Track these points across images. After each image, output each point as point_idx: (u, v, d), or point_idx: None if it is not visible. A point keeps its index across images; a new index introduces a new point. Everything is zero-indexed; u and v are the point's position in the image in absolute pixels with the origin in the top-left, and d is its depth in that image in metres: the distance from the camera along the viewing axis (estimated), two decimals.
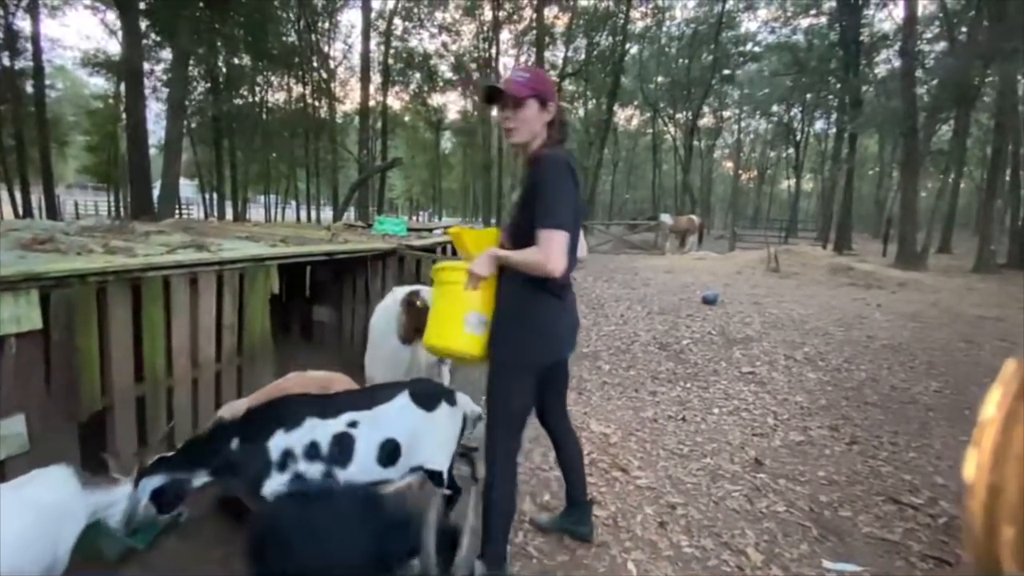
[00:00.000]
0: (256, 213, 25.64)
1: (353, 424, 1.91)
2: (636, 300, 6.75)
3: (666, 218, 15.31)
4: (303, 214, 26.57)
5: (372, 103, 20.33)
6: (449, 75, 24.16)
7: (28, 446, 1.92)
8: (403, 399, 2.00)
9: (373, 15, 18.98)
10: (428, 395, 2.06)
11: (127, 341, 2.27)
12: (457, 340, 1.71)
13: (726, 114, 32.84)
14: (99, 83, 23.30)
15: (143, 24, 11.47)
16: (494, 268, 1.63)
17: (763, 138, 37.00)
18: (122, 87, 18.07)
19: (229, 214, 21.67)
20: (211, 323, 2.66)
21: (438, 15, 22.48)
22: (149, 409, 2.41)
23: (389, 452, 1.93)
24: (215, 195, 22.98)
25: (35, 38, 16.22)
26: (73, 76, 26.50)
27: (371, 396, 2.05)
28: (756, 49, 24.71)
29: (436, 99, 26.03)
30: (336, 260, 3.93)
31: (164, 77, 18.22)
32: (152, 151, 16.57)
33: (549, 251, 1.53)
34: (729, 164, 42.72)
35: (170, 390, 2.50)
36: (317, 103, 22.86)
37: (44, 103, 17.19)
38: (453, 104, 28.71)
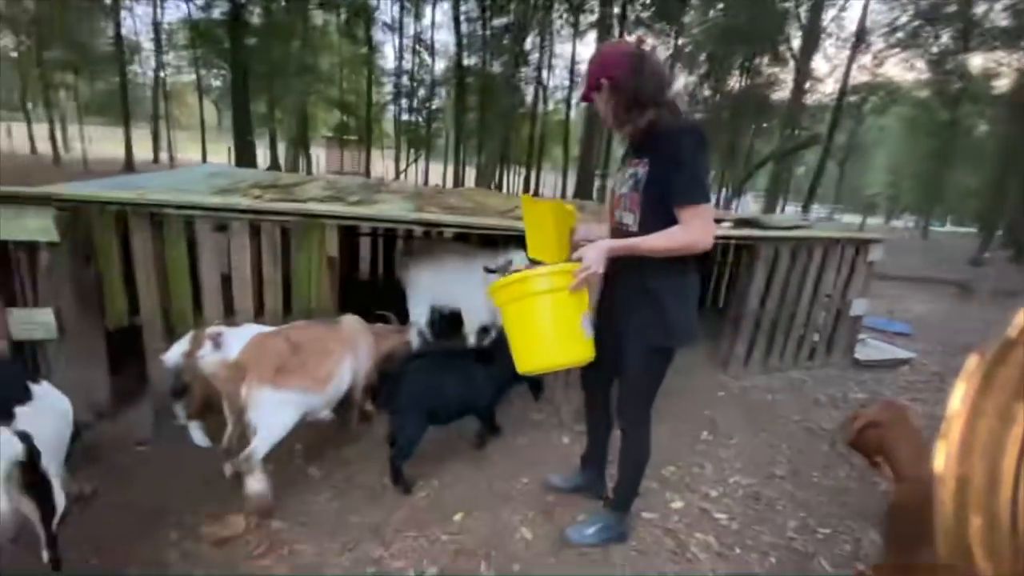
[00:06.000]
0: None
1: None
2: None
3: None
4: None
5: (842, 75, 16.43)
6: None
7: (56, 335, 2.39)
8: None
9: None
10: None
11: (149, 270, 2.47)
12: (578, 350, 1.61)
13: None
14: None
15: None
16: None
17: None
18: None
19: None
20: (247, 275, 2.62)
21: None
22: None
23: None
24: None
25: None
26: None
27: None
28: None
29: (976, 61, 18.23)
30: None
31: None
32: None
33: (704, 229, 1.51)
34: None
35: None
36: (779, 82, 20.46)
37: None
38: (1003, 66, 19.24)
